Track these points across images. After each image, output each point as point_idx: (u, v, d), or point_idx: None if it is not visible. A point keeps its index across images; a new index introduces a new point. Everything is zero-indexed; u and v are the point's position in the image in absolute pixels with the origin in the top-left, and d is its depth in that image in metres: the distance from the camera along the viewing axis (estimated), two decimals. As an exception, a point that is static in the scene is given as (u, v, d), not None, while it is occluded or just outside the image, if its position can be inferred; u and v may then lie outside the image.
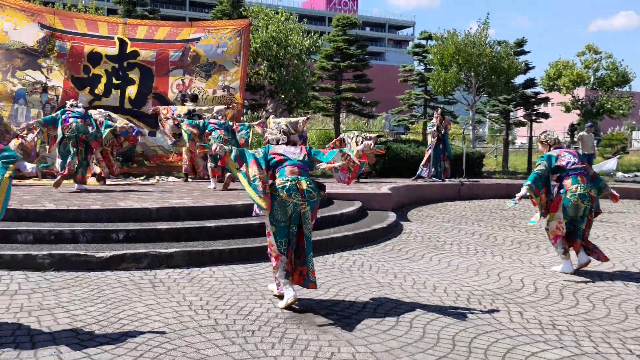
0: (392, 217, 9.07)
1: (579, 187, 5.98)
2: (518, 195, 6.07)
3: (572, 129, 17.96)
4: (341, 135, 13.86)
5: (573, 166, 6.11)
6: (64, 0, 25.32)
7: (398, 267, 6.29)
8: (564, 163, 6.14)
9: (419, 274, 6.00)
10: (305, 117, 13.69)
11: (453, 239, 8.11)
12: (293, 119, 13.12)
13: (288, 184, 4.67)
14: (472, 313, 4.70)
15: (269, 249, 4.83)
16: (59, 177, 8.91)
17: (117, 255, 5.83)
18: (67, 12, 14.45)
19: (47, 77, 11.93)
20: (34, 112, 11.72)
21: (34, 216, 6.76)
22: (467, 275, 6.04)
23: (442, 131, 13.77)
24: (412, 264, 6.47)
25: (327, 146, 13.94)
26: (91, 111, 10.01)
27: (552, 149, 6.39)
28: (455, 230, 8.86)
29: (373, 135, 14.01)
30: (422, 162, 13.88)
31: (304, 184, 4.72)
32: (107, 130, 9.62)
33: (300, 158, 4.92)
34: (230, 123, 10.62)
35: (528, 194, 6.08)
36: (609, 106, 21.12)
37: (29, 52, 11.89)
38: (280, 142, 5.09)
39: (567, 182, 6.07)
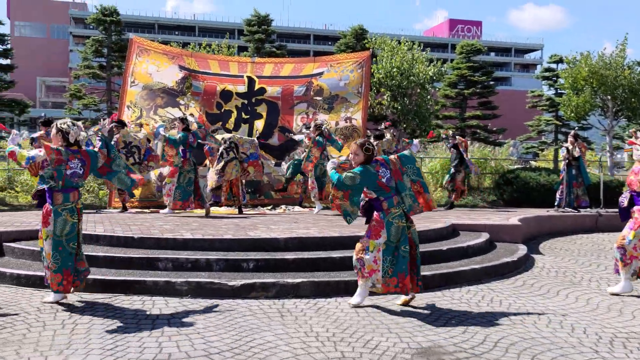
0: (522, 249, 8.67)
1: None
2: None
3: None
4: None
5: None
6: (200, 41, 27.22)
7: (531, 304, 5.98)
8: None
9: (555, 312, 5.65)
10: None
11: (591, 275, 7.59)
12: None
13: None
14: (617, 358, 4.34)
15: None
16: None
17: (248, 284, 6.06)
18: (203, 54, 15.49)
19: (184, 114, 12.81)
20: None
21: (173, 245, 7.21)
22: (608, 315, 5.61)
23: (576, 154, 12.93)
24: (546, 301, 6.12)
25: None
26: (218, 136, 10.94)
27: None
28: (594, 265, 8.28)
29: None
30: (559, 190, 13.08)
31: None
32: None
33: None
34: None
35: None
36: None
37: (169, 92, 12.88)
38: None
39: None
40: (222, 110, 13.31)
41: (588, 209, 12.99)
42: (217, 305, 5.67)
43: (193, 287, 6.03)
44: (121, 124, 11.48)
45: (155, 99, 12.83)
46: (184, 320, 5.16)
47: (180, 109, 12.91)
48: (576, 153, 12.88)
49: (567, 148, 12.96)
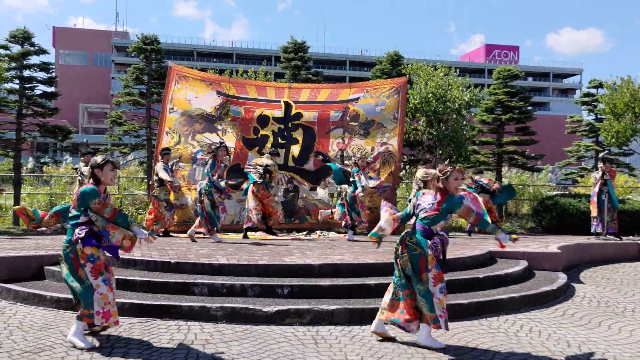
0: (562, 278, 8.46)
1: None
2: None
3: None
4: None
5: None
6: (237, 67, 27.69)
7: (571, 335, 5.81)
8: None
9: (597, 344, 5.48)
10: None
11: (635, 305, 7.34)
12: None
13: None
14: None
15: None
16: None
17: (282, 310, 6.06)
18: (240, 80, 15.74)
19: (222, 139, 13.00)
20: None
21: (209, 270, 7.26)
22: (654, 348, 5.41)
23: (606, 178, 12.65)
24: (588, 332, 5.95)
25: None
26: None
27: None
28: (637, 295, 8.02)
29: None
30: (593, 218, 12.85)
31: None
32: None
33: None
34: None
35: None
36: None
37: (207, 117, 13.10)
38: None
39: None
40: (259, 135, 13.46)
41: (631, 237, 12.64)
42: (251, 331, 5.67)
43: (228, 312, 6.05)
44: (167, 150, 11.79)
45: (194, 124, 13.06)
46: (219, 345, 5.17)
47: (217, 134, 13.10)
48: (606, 176, 12.60)
49: (602, 173, 12.71)
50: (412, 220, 5.49)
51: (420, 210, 5.38)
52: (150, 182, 12.91)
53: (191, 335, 5.49)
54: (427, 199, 5.36)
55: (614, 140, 17.92)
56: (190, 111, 13.04)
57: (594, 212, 12.77)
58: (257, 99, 13.64)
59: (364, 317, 6.16)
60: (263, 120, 13.48)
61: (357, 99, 13.77)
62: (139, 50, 18.05)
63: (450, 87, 17.18)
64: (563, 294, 7.87)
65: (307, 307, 6.13)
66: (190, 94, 13.14)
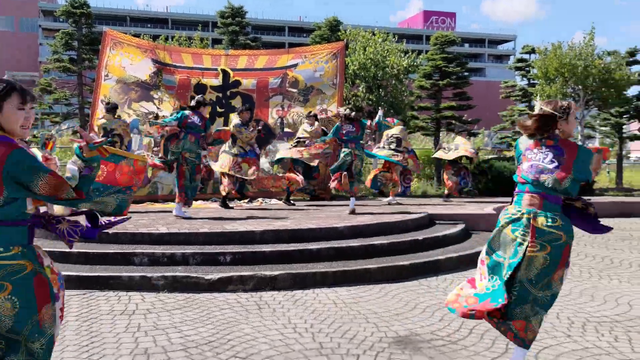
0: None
1: None
2: None
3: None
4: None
5: None
6: (172, 34, 26.90)
7: (505, 291, 6.06)
8: None
9: (529, 299, 5.73)
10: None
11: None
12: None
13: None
14: (588, 341, 4.43)
15: None
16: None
17: (225, 277, 6.04)
18: (176, 47, 15.33)
19: (158, 108, 12.67)
20: (146, 140, 12.46)
21: (148, 239, 7.14)
22: (581, 300, 5.71)
23: None
24: (521, 288, 6.21)
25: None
26: None
27: None
28: (567, 252, 8.41)
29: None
30: None
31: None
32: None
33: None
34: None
35: None
36: None
37: (143, 85, 12.71)
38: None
39: None
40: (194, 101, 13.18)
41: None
42: (194, 299, 5.64)
43: (169, 281, 5.99)
44: (113, 107, 11.05)
45: (129, 92, 12.65)
46: (161, 314, 5.12)
47: (154, 103, 12.76)
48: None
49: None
50: (526, 189, 3.69)
51: (539, 172, 3.59)
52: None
53: (132, 305, 5.41)
54: (538, 155, 3.63)
55: (545, 104, 18.52)
56: (126, 78, 12.61)
57: None
58: (193, 67, 13.31)
59: (307, 281, 6.22)
60: (200, 88, 13.17)
61: (296, 65, 13.64)
62: (68, 15, 17.27)
63: (388, 53, 17.28)
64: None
65: (249, 273, 6.14)
66: (125, 60, 12.69)
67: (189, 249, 6.77)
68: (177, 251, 6.66)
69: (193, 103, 9.40)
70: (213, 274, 6.10)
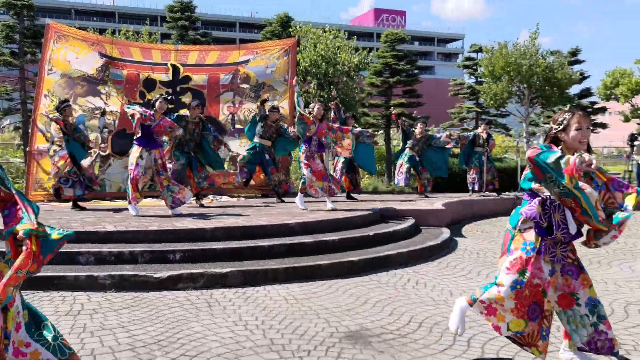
0: (446, 233, 8.95)
1: None
2: None
3: (633, 139, 17.32)
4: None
5: None
6: (119, 27, 26.30)
7: (454, 285, 6.19)
8: None
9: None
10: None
11: (510, 255, 7.92)
12: None
13: None
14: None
15: None
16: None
17: (174, 275, 5.96)
18: (124, 41, 15.00)
19: (105, 103, 12.37)
20: (92, 136, 12.14)
21: (95, 238, 6.97)
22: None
23: (487, 149, 13.57)
24: (469, 281, 6.35)
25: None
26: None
27: None
28: (512, 246, 8.65)
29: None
30: (469, 176, 13.68)
31: None
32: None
33: None
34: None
35: None
36: (672, 114, 20.34)
37: (89, 80, 12.38)
38: None
39: None
40: (146, 99, 12.92)
41: (507, 193, 13.58)
42: (142, 298, 5.54)
43: (117, 280, 5.86)
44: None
45: (75, 87, 12.30)
46: (108, 314, 5.01)
47: (101, 98, 12.45)
48: (487, 149, 13.45)
49: (481, 136, 13.55)
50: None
51: None
52: (28, 149, 12.08)
53: (77, 305, 5.27)
54: None
55: (492, 102, 19.01)
56: (71, 73, 12.26)
57: (472, 172, 13.57)
58: (142, 62, 13.05)
59: (258, 278, 6.20)
60: (149, 84, 12.94)
61: (247, 61, 13.55)
62: (9, 6, 16.63)
63: (339, 50, 17.36)
64: (447, 247, 8.33)
65: (200, 271, 6.07)
66: (70, 54, 12.32)
67: (137, 247, 6.63)
68: (124, 249, 6.52)
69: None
70: (162, 272, 6.00)
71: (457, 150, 14.38)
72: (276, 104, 12.42)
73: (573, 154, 3.36)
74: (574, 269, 3.70)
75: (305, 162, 9.36)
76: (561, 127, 3.59)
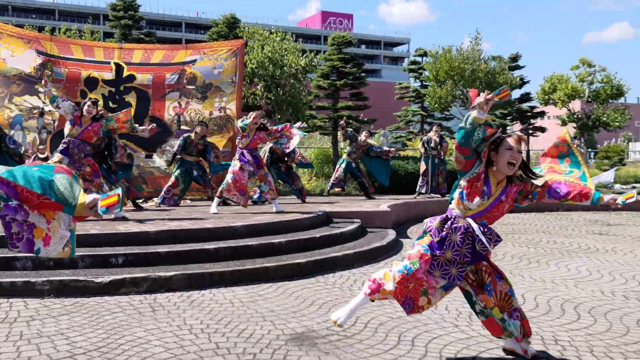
0: (391, 234, 9.06)
1: None
2: None
3: (569, 142, 17.98)
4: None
5: None
6: (59, 25, 25.50)
7: (399, 285, 6.26)
8: None
9: (420, 292, 5.96)
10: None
11: (453, 255, 8.09)
12: None
13: None
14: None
15: None
16: None
17: (117, 279, 5.81)
18: (64, 39, 14.55)
19: (44, 102, 11.97)
20: (30, 137, 11.76)
21: (32, 242, 6.72)
22: (468, 291, 6.01)
23: (441, 152, 13.92)
24: (413, 282, 6.44)
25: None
26: None
27: None
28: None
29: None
30: (420, 178, 13.95)
31: None
32: None
33: None
34: None
35: None
36: (605, 119, 21.22)
37: (26, 79, 11.95)
38: None
39: None
40: (87, 98, 12.57)
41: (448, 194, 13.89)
42: (83, 304, 5.38)
43: (55, 285, 5.67)
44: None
45: (11, 86, 11.85)
46: (46, 321, 4.84)
47: (39, 97, 12.03)
48: (441, 152, 13.81)
49: (434, 140, 13.84)
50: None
51: None
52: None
53: (13, 312, 5.07)
54: None
55: (437, 105, 19.39)
56: (6, 71, 11.80)
57: (424, 172, 13.84)
58: (83, 60, 12.68)
59: (203, 281, 6.11)
60: (91, 82, 12.60)
61: (194, 61, 13.36)
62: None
63: (286, 52, 17.36)
64: (392, 248, 8.43)
65: (143, 275, 5.94)
66: (5, 52, 11.87)
67: (77, 252, 6.43)
68: (64, 254, 6.31)
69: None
70: (104, 276, 5.85)
71: (408, 153, 14.64)
72: (205, 120, 12.28)
73: (503, 176, 3.63)
74: (474, 289, 3.90)
75: (234, 169, 9.30)
76: (493, 145, 3.65)
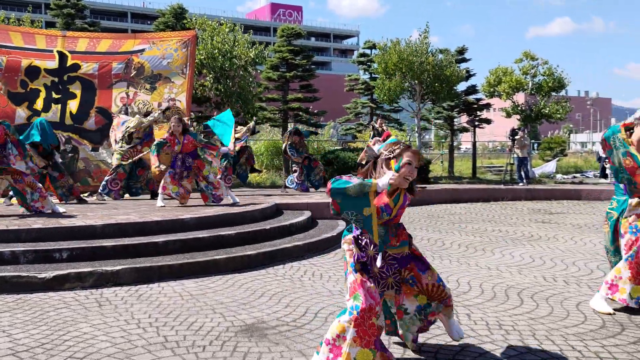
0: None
1: None
2: None
3: (514, 134, 18.51)
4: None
5: None
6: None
7: (349, 275, 6.32)
8: None
9: (370, 281, 6.04)
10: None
11: (402, 245, 8.22)
12: None
13: None
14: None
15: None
16: None
17: (61, 275, 5.66)
18: (2, 25, 14.02)
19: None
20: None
21: (-29, 238, 6.49)
22: (416, 280, 6.12)
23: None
24: (363, 272, 6.52)
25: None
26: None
27: None
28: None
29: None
30: None
31: None
32: None
33: None
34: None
35: None
36: (547, 111, 21.87)
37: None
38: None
39: None
40: (28, 88, 12.16)
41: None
42: (25, 300, 5.22)
43: (-4, 282, 5.48)
44: None
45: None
46: (-14, 319, 4.68)
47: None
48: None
49: (380, 131, 14.03)
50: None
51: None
52: None
53: (-49, 311, 4.88)
54: None
55: (386, 97, 19.55)
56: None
57: None
58: (24, 48, 12.26)
59: (152, 275, 6.03)
60: (33, 72, 12.19)
61: (143, 50, 13.07)
62: None
63: (236, 44, 17.19)
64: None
65: (89, 269, 5.81)
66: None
67: (19, 247, 6.24)
68: (4, 249, 6.11)
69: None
70: (47, 272, 5.69)
71: (358, 145, 14.74)
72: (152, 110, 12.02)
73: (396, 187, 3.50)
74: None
75: (169, 174, 9.23)
76: (392, 155, 3.54)
